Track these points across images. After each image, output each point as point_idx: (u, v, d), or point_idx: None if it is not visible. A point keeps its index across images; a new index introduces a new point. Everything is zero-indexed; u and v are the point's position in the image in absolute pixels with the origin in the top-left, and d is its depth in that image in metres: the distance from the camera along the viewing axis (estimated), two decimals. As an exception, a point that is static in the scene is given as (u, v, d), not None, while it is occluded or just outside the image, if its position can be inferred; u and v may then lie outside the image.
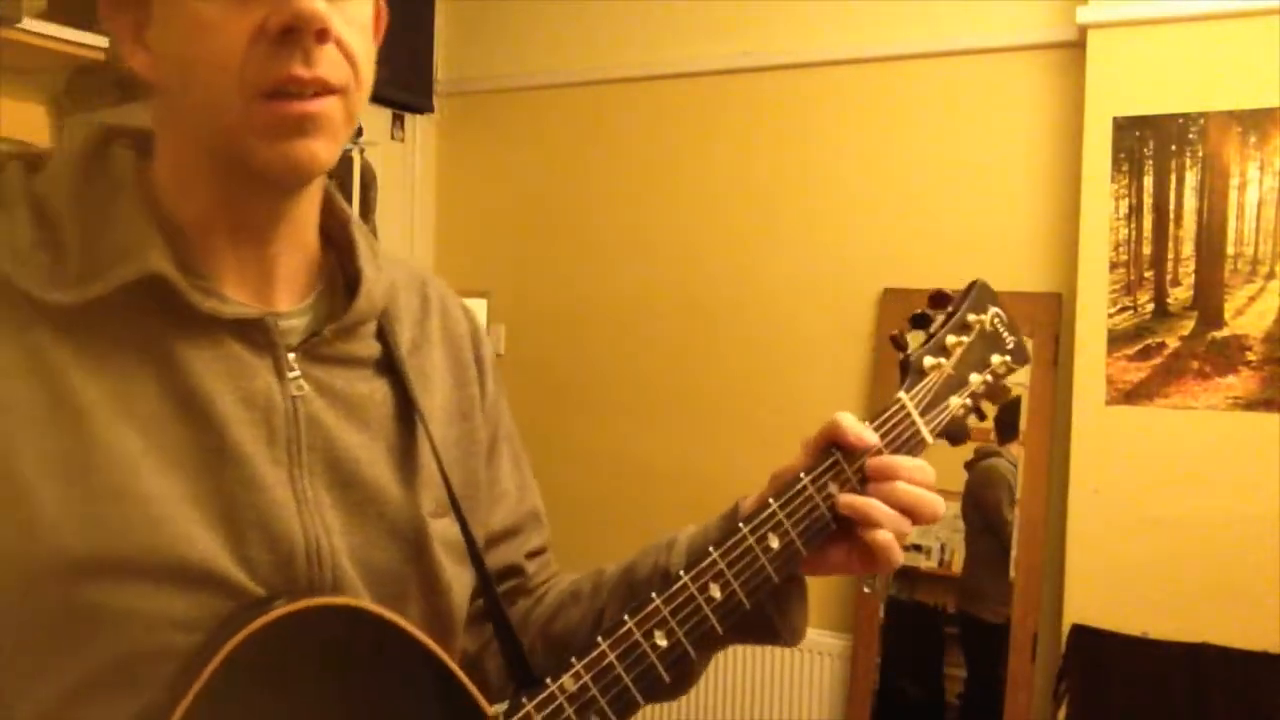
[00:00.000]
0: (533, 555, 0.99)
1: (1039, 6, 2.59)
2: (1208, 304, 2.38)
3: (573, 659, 0.79)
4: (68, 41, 2.18)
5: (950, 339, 0.96)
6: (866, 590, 2.68)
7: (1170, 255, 2.41)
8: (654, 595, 0.82)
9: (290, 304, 0.81)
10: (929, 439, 0.92)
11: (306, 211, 0.81)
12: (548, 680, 0.79)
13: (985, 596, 2.70)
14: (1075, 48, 2.51)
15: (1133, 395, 2.41)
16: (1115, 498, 2.40)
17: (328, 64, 0.71)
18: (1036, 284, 2.58)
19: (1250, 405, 2.32)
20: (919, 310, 0.99)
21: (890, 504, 0.86)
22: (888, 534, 0.86)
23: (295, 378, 0.78)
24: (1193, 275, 2.39)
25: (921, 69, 2.73)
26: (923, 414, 0.93)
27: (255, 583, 0.73)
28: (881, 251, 2.76)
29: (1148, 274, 2.42)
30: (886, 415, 0.91)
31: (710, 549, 0.84)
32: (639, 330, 3.04)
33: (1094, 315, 2.44)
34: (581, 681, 0.79)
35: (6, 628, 0.69)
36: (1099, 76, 2.43)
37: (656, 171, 3.03)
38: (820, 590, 1.02)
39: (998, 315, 1.00)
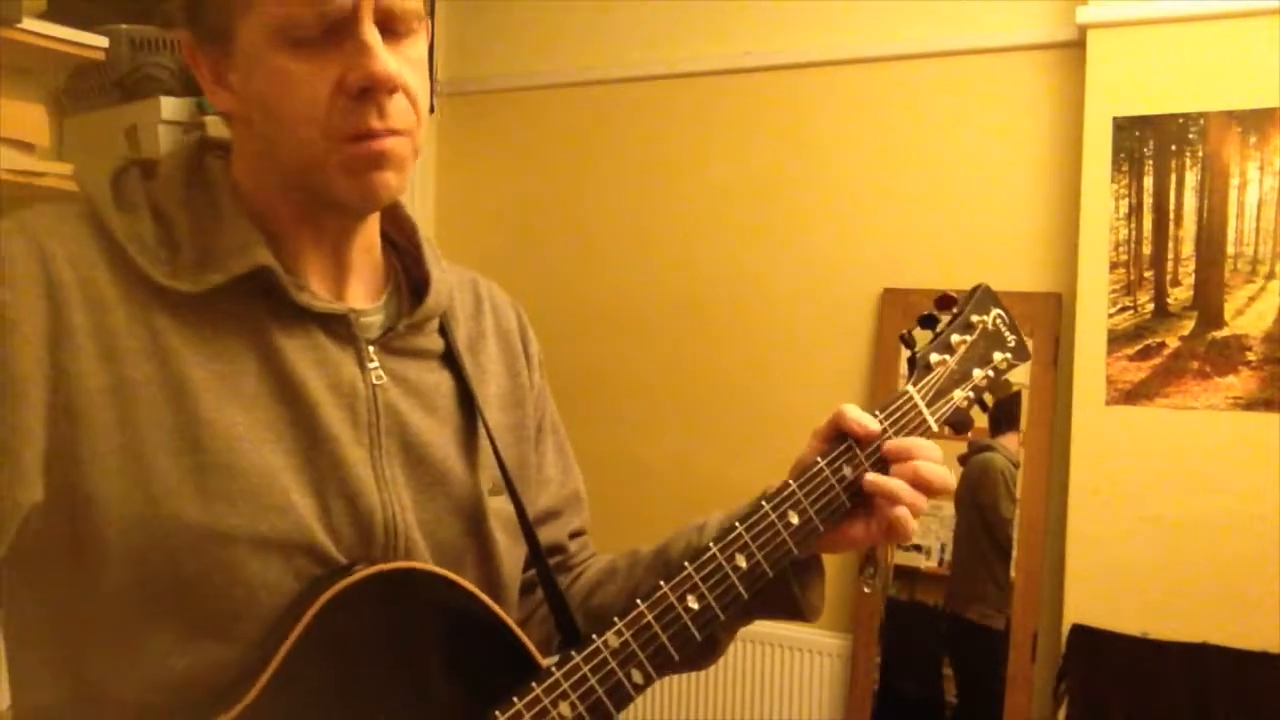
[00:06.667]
0: (574, 535, 1.08)
1: (1039, 6, 2.59)
2: (1208, 304, 2.37)
3: (615, 618, 0.87)
4: (68, 41, 2.18)
5: (955, 338, 1.08)
6: (866, 590, 2.68)
7: (1170, 255, 2.41)
8: (686, 564, 0.90)
9: (365, 302, 0.90)
10: (934, 426, 1.03)
11: (374, 224, 0.91)
12: (594, 636, 0.86)
13: (975, 597, 2.70)
14: (1075, 48, 2.51)
15: (1133, 395, 2.40)
16: (1115, 498, 2.40)
17: (397, 114, 0.80)
18: (1036, 284, 2.58)
19: (1250, 405, 2.32)
20: (926, 312, 1.11)
21: (909, 481, 0.96)
22: (905, 509, 0.95)
23: (374, 368, 0.87)
24: (1193, 275, 2.39)
25: (921, 69, 2.72)
26: (929, 404, 1.03)
27: (339, 550, 0.81)
28: (881, 252, 2.76)
29: (1148, 274, 2.42)
30: (895, 406, 1.02)
31: (736, 524, 0.92)
32: (639, 330, 3.04)
33: (1094, 315, 2.44)
34: (624, 638, 0.86)
35: (128, 583, 0.76)
36: (1099, 76, 2.43)
37: (656, 172, 3.03)
38: (820, 590, 1.03)
39: (1000, 316, 1.12)
